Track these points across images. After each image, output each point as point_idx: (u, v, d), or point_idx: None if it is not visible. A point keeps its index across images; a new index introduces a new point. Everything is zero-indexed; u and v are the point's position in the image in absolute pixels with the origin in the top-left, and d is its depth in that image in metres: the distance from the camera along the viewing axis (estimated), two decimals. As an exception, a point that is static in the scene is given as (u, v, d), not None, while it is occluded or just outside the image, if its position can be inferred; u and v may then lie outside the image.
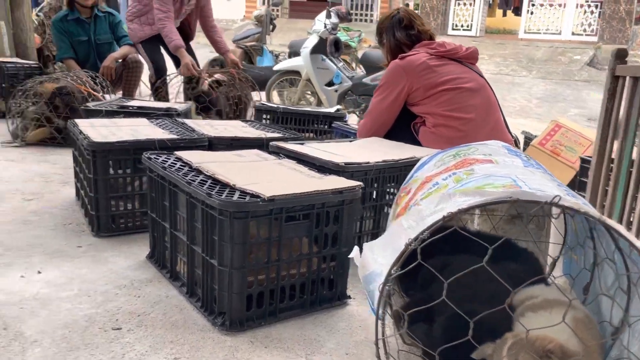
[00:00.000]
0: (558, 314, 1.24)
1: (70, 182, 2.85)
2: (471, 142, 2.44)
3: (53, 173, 3.04)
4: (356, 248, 1.32)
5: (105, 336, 1.39)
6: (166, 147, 2.08)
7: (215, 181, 1.55)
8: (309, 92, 6.31)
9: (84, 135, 2.07)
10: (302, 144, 2.25)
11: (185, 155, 1.80)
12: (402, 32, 2.54)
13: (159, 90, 4.16)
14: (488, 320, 1.22)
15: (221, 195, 1.39)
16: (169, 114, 2.88)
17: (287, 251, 1.48)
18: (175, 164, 1.74)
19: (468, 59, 2.51)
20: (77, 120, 2.43)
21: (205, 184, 1.51)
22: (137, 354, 1.31)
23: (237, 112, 4.04)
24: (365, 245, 1.31)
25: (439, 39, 2.70)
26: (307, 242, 1.52)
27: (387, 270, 1.20)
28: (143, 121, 2.55)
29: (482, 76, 2.52)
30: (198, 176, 1.60)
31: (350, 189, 1.52)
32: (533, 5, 12.19)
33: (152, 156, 1.79)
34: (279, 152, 2.07)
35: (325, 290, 1.60)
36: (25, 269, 1.75)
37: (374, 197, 2.07)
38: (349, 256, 1.31)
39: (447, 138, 2.41)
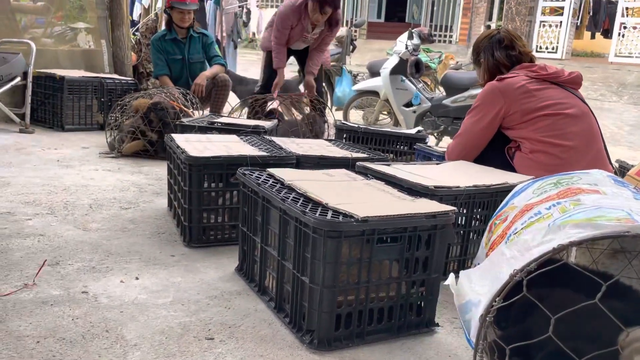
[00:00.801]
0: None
1: (162, 192, 3.00)
2: (571, 170, 2.34)
3: (146, 183, 3.21)
4: (452, 275, 1.29)
5: (199, 345, 1.43)
6: (257, 163, 2.14)
7: (307, 199, 1.57)
8: (386, 113, 6.31)
9: (182, 149, 2.17)
10: (388, 164, 2.24)
11: (277, 172, 1.84)
12: (502, 52, 2.48)
13: (254, 105, 4.31)
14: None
15: (315, 214, 1.41)
16: (256, 131, 2.96)
17: (376, 273, 1.47)
18: (268, 180, 1.78)
19: (570, 83, 2.41)
20: (174, 135, 2.56)
21: (298, 202, 1.54)
22: (229, 365, 1.35)
23: (312, 132, 4.10)
24: (462, 273, 1.28)
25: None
26: (397, 265, 1.50)
27: (485, 300, 1.17)
28: (233, 138, 2.64)
29: (584, 102, 2.42)
30: (290, 193, 1.64)
31: (443, 213, 1.50)
32: (625, 27, 11.59)
33: (247, 172, 1.85)
34: (366, 173, 2.07)
35: (413, 316, 1.57)
36: (125, 274, 1.85)
37: (463, 222, 2.03)
38: (445, 283, 1.29)
39: (545, 165, 2.32)
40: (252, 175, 1.82)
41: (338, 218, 1.38)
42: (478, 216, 2.07)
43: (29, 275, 1.78)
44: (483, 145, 2.49)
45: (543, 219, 1.31)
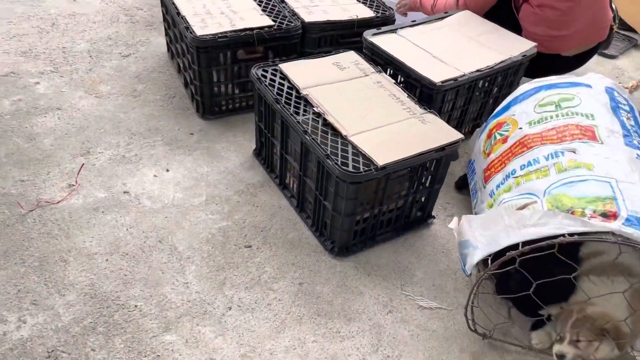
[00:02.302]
0: (619, 284, 1.46)
1: (155, 23, 2.92)
2: (573, 26, 2.35)
3: (134, 7, 3.07)
4: (455, 219, 1.53)
5: (240, 255, 1.73)
6: (263, 38, 2.12)
7: (326, 122, 1.69)
8: None
9: (186, 24, 2.10)
10: (394, 31, 2.24)
11: (290, 72, 1.88)
12: None
13: None
14: (557, 280, 1.48)
15: (337, 157, 1.56)
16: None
17: (389, 195, 1.70)
18: (283, 85, 1.84)
19: None
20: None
21: (317, 126, 1.67)
22: (269, 276, 1.68)
23: None
24: (464, 217, 1.52)
25: None
26: (406, 185, 1.72)
27: (481, 251, 1.43)
28: (230, -19, 2.48)
29: None
30: (308, 109, 1.74)
31: (452, 144, 1.65)
32: None
33: (260, 75, 1.87)
34: (373, 53, 2.11)
35: (415, 215, 1.86)
36: (155, 165, 2.03)
37: (462, 104, 2.16)
38: (449, 225, 1.54)
39: (549, 21, 2.35)
40: (265, 78, 1.86)
41: (359, 167, 1.54)
42: (479, 92, 2.19)
43: (68, 171, 1.96)
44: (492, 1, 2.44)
45: (540, 173, 1.49)
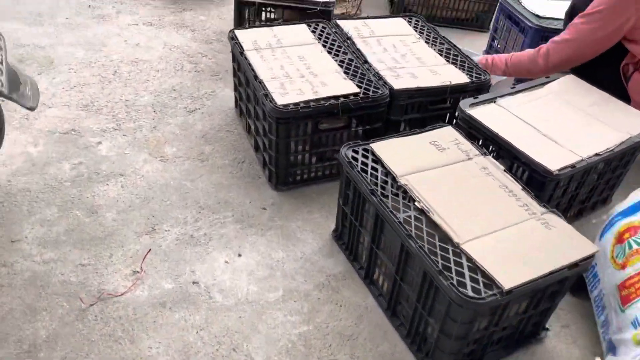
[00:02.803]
0: None
1: (220, 72, 2.77)
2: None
3: (198, 52, 2.93)
4: (597, 360, 1.27)
5: (326, 372, 1.50)
6: (349, 108, 1.91)
7: (432, 222, 1.46)
8: None
9: (265, 90, 1.90)
10: (493, 100, 1.99)
11: (384, 155, 1.66)
12: None
13: None
14: None
15: (451, 274, 1.32)
16: (326, 9, 2.55)
17: (505, 315, 1.44)
18: (376, 171, 1.61)
19: None
20: (238, 34, 2.23)
21: (421, 227, 1.43)
22: (361, 404, 1.44)
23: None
24: (608, 360, 1.25)
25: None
26: (526, 303, 1.46)
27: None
28: (306, 35, 2.29)
29: None
30: (408, 203, 1.51)
31: (586, 259, 1.38)
32: None
33: (350, 156, 1.65)
34: (470, 127, 1.88)
35: (529, 329, 1.59)
36: (225, 248, 1.83)
37: (574, 188, 1.88)
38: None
39: (665, 94, 2.06)
40: (357, 162, 1.64)
41: (480, 290, 1.29)
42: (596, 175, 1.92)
43: (132, 254, 1.77)
44: (592, 56, 2.16)
45: None
